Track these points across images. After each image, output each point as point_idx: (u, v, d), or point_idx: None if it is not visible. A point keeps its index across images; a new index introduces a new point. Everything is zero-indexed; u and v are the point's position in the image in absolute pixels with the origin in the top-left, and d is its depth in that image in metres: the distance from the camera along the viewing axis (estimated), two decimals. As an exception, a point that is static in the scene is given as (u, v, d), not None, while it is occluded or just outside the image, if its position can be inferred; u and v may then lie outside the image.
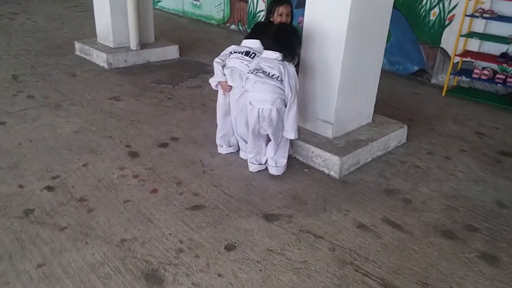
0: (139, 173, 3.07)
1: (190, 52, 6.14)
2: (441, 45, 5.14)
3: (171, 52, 5.80)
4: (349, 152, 3.15)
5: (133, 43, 5.41)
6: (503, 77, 4.50)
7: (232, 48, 3.22)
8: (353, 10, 2.93)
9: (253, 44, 3.17)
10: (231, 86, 3.14)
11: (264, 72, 2.94)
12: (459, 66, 4.95)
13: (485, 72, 4.61)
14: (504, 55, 4.48)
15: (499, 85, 4.56)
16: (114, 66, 5.28)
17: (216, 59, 3.19)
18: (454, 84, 5.09)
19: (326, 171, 3.17)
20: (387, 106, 4.29)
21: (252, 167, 3.14)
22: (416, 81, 5.40)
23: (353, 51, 3.09)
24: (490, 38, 4.57)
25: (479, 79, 4.66)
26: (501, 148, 3.69)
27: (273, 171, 3.10)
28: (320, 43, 3.14)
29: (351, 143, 3.28)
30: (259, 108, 2.94)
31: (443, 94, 4.93)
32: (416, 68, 5.45)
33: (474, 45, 4.88)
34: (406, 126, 3.66)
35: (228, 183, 3.00)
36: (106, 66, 5.25)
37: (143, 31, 5.55)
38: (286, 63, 2.99)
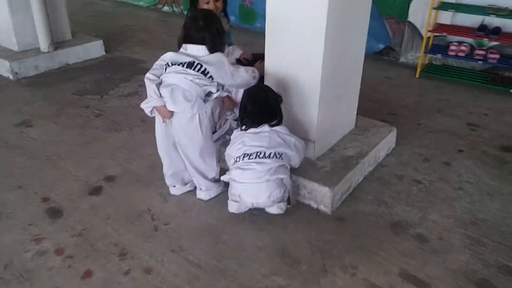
0: (64, 246, 2.21)
1: (118, 45, 5.12)
2: (409, 19, 4.54)
3: (95, 49, 4.76)
4: (339, 178, 2.47)
5: (43, 44, 4.32)
6: (483, 52, 4.00)
7: (169, 57, 2.37)
8: (333, -4, 2.19)
9: (197, 50, 2.35)
10: (172, 112, 2.33)
11: (257, 154, 2.26)
12: (430, 42, 4.40)
13: (462, 48, 4.09)
14: (482, 28, 3.96)
15: (479, 62, 4.06)
16: (22, 76, 4.19)
17: (148, 75, 2.35)
18: (426, 63, 4.55)
19: (313, 205, 2.48)
20: (361, 99, 3.57)
21: (233, 207, 2.40)
22: (383, 61, 4.80)
23: (333, 47, 2.37)
24: (467, 9, 4.02)
25: (456, 56, 4.14)
26: (499, 142, 3.19)
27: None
28: (291, 41, 2.38)
29: (339, 163, 2.60)
30: (252, 202, 2.32)
31: (417, 75, 4.38)
32: (381, 46, 4.84)
33: (445, 17, 4.33)
34: (395, 130, 3.04)
35: (190, 243, 2.24)
36: (10, 77, 4.15)
37: (56, 27, 4.46)
38: (279, 128, 2.33)
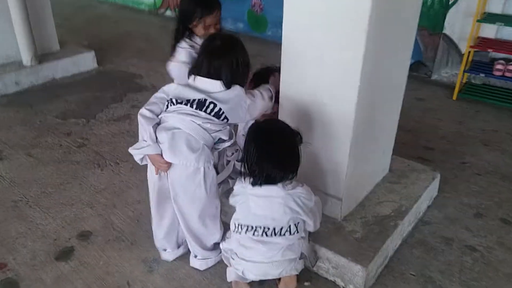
0: None
1: (113, 56, 4.58)
2: (444, 31, 3.94)
3: (85, 61, 4.23)
4: (374, 250, 1.90)
5: (26, 56, 3.80)
6: (535, 74, 3.40)
7: (174, 91, 1.82)
8: (374, 11, 1.62)
9: (211, 85, 1.80)
10: (170, 163, 1.79)
11: (265, 231, 1.71)
12: (469, 58, 3.79)
13: (511, 67, 3.49)
14: (535, 45, 3.36)
15: (531, 85, 3.46)
16: (0, 94, 3.68)
17: (144, 112, 1.79)
18: (464, 82, 3.94)
19: (340, 283, 1.92)
20: (391, 128, 3.08)
21: (233, 275, 1.87)
22: (413, 78, 4.17)
23: (373, 73, 1.80)
24: (516, 22, 3.42)
25: (503, 77, 3.54)
26: None
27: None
28: (316, 63, 1.82)
29: (372, 226, 2.03)
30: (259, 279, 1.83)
31: (454, 97, 3.79)
32: (411, 60, 4.23)
33: (488, 31, 3.72)
34: (439, 176, 2.46)
35: None
36: (-13, 95, 3.66)
37: (41, 36, 3.95)
38: (298, 190, 1.74)
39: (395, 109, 2.27)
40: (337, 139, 1.89)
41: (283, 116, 2.02)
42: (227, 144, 1.87)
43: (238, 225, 1.74)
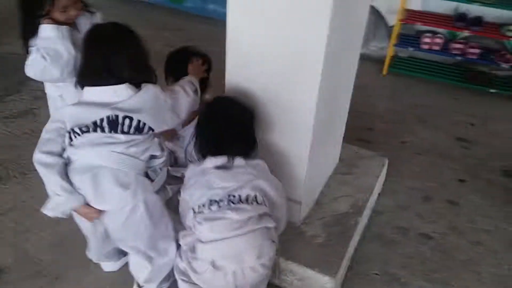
0: None
1: (4, 36, 3.84)
2: (372, 3, 3.87)
3: (-31, 43, 3.49)
4: (339, 255, 1.75)
5: None
6: (461, 46, 3.45)
7: (71, 117, 1.41)
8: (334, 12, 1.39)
9: (115, 93, 1.41)
10: (100, 211, 1.43)
11: (230, 199, 1.42)
12: (396, 31, 3.77)
13: (437, 40, 3.51)
14: (461, 17, 3.40)
15: (457, 58, 3.53)
16: None
17: (39, 157, 1.37)
18: (391, 55, 3.94)
19: (305, 295, 1.77)
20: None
21: None
22: (342, 52, 4.11)
23: (330, 77, 1.59)
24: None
25: (429, 50, 3.57)
26: (499, 164, 2.68)
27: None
28: (269, 68, 1.56)
29: (333, 228, 1.88)
30: (234, 271, 1.41)
31: (384, 72, 3.77)
32: (339, 34, 4.13)
33: (414, 2, 3.71)
34: (387, 161, 2.38)
35: None
36: None
37: None
38: (258, 161, 1.53)
39: (347, 97, 2.11)
40: (296, 141, 1.67)
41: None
42: (161, 160, 1.56)
43: (199, 206, 1.45)
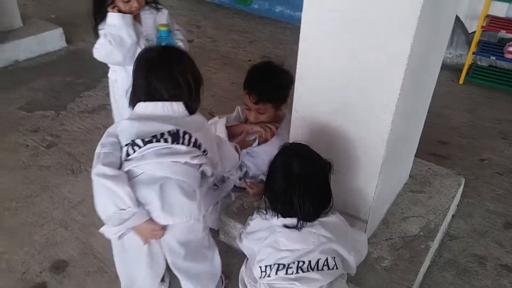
0: None
1: (84, 33, 4.04)
2: (452, 8, 3.61)
3: (52, 39, 3.71)
4: (408, 283, 1.62)
5: (-19, 36, 3.29)
6: (553, 57, 3.13)
7: (127, 129, 1.39)
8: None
9: (172, 108, 1.40)
10: (164, 227, 1.39)
11: (300, 266, 1.35)
12: (476, 39, 3.48)
13: (525, 49, 3.21)
14: (555, 26, 3.08)
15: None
16: (-48, 81, 3.18)
17: (101, 169, 1.30)
18: (469, 64, 3.65)
19: (367, 321, 1.65)
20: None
21: None
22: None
23: (410, 84, 1.47)
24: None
25: (515, 60, 3.27)
26: None
27: None
28: (343, 80, 1.47)
29: (400, 250, 1.75)
30: None
31: (461, 81, 3.50)
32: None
33: (498, 9, 3.40)
34: (463, 181, 2.19)
35: None
36: None
37: (0, 12, 3.41)
38: (331, 218, 1.44)
39: (424, 109, 1.96)
40: (366, 158, 1.56)
41: (296, 129, 1.68)
42: (210, 180, 1.53)
43: (266, 267, 1.40)
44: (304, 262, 1.37)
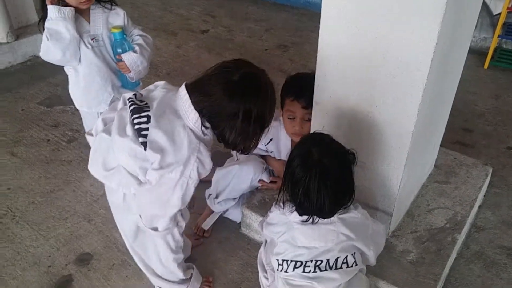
0: None
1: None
2: (476, -10, 3.48)
3: (69, 34, 3.72)
4: (434, 277, 1.58)
5: (1, 32, 3.30)
6: None
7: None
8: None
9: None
10: None
11: (318, 264, 1.34)
12: (501, 21, 3.36)
13: (555, 32, 3.08)
14: None
15: None
16: (-27, 77, 3.22)
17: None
18: (494, 47, 3.53)
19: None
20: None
21: None
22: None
23: (437, 74, 1.42)
24: None
25: (544, 42, 3.14)
26: None
27: None
28: (366, 69, 1.43)
29: (426, 243, 1.71)
30: None
31: (486, 65, 3.39)
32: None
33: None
34: (491, 171, 2.12)
35: None
36: (-42, 79, 3.19)
37: (15, 6, 3.42)
38: (352, 214, 1.41)
39: (450, 96, 1.89)
40: (391, 147, 1.52)
41: (317, 122, 1.64)
42: None
43: (283, 261, 1.39)
44: (322, 261, 1.35)
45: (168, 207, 1.36)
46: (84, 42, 1.88)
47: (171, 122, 1.30)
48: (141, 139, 1.27)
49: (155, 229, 1.43)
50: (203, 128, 1.30)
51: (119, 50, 1.91)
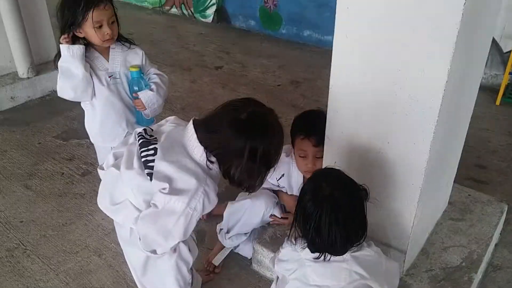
0: None
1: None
2: (485, 28, 3.54)
3: (87, 70, 3.84)
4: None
5: (21, 68, 3.42)
6: None
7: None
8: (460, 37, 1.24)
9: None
10: None
11: None
12: (512, 58, 3.39)
13: None
14: None
15: None
16: (-7, 111, 3.32)
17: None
18: (505, 84, 3.54)
19: None
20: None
21: None
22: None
23: (448, 107, 1.43)
24: None
25: (556, 79, 3.15)
26: None
27: None
28: (382, 107, 1.44)
29: (442, 282, 1.66)
30: None
31: (497, 102, 3.40)
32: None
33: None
34: (506, 208, 2.09)
35: None
36: (-22, 113, 3.29)
37: (37, 44, 3.55)
38: (365, 252, 1.38)
39: (462, 134, 1.89)
40: (404, 184, 1.51)
41: (329, 158, 1.65)
42: None
43: None
44: None
45: (170, 238, 1.36)
46: (100, 79, 1.93)
47: (178, 154, 1.32)
48: (147, 171, 1.30)
49: (154, 252, 1.41)
50: (208, 162, 1.32)
51: (136, 88, 1.96)
